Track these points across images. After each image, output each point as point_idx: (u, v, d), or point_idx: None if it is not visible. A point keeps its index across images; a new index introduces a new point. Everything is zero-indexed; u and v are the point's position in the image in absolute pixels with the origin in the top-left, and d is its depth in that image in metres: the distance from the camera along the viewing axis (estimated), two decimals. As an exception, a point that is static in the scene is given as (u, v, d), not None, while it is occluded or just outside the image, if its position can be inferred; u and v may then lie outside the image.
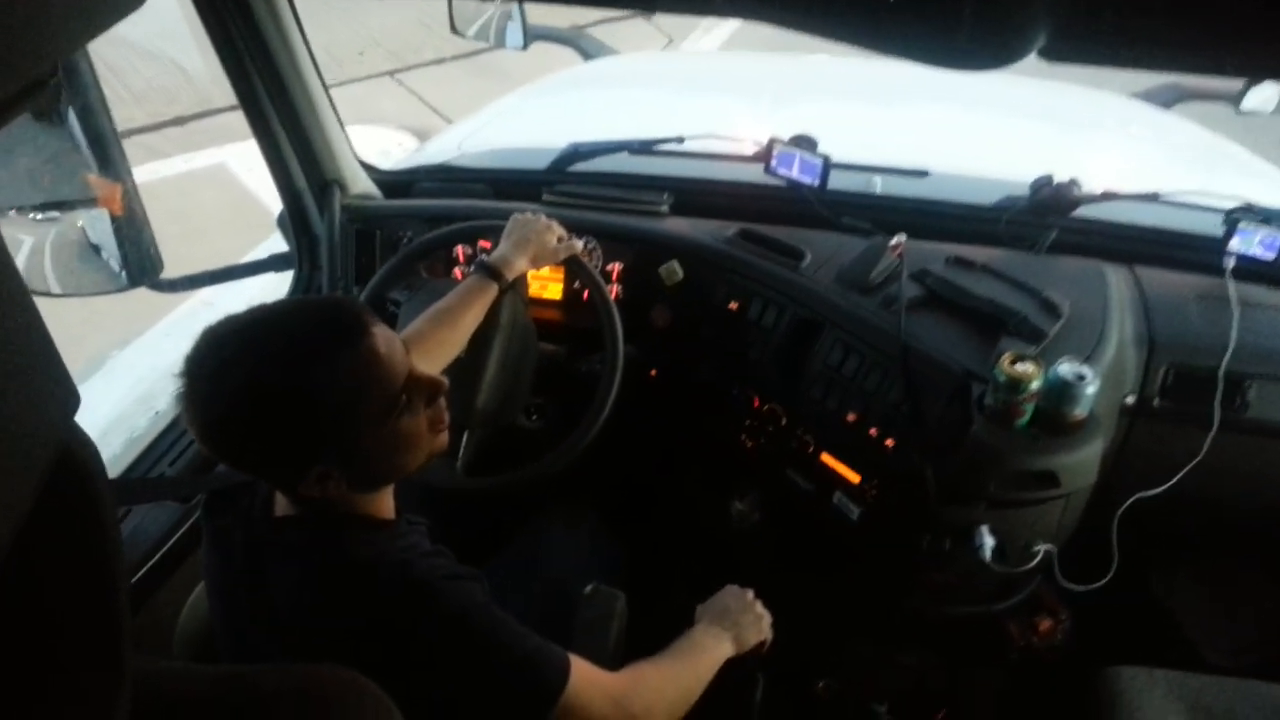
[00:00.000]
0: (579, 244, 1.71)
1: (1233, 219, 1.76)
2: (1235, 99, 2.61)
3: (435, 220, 1.83)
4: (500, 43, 2.84)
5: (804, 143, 1.85)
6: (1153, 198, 1.89)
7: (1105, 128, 2.67)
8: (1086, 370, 1.49)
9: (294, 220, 1.99)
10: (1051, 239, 1.85)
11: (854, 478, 1.74)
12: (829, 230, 1.90)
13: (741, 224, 1.90)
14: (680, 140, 2.03)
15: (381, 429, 1.07)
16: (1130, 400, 1.69)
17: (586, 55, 3.13)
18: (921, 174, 1.96)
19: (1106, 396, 1.59)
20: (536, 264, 1.68)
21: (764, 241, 1.85)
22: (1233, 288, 1.77)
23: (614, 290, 1.95)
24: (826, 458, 1.77)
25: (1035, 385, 1.47)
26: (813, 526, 1.87)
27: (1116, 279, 1.78)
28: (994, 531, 1.60)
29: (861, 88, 2.78)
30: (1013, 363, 1.49)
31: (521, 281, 1.75)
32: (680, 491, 2.15)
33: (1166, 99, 2.88)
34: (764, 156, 1.91)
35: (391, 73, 6.58)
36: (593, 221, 1.92)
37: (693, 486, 2.14)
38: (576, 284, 1.97)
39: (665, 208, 1.96)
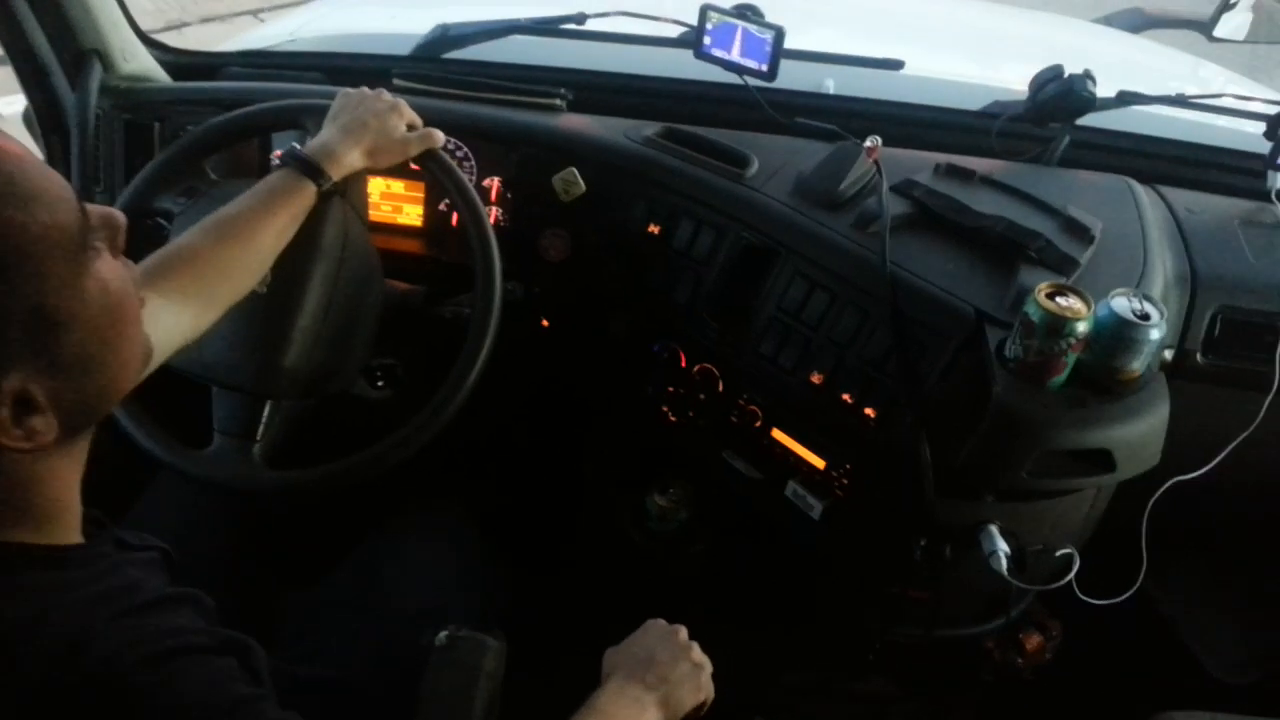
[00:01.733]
0: (439, 135, 1.20)
1: (1286, 125, 1.37)
2: (1206, 25, 2.29)
3: (240, 105, 1.29)
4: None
5: (748, 12, 1.38)
6: (1179, 101, 1.50)
7: (1085, 47, 2.28)
8: (1151, 308, 1.07)
9: (40, 111, 1.42)
10: (1063, 147, 1.43)
11: (817, 462, 1.28)
12: (780, 134, 1.44)
13: (665, 124, 1.42)
14: (582, 19, 1.53)
15: (79, 284, 0.62)
16: (1167, 355, 1.29)
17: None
18: (895, 65, 1.51)
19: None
20: (376, 160, 1.16)
21: (696, 143, 1.37)
22: (1285, 212, 1.39)
23: (492, 214, 1.45)
24: (779, 435, 1.31)
25: (1083, 328, 1.04)
26: (759, 528, 1.41)
27: (1148, 198, 1.38)
28: (1006, 533, 1.18)
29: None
30: (1051, 295, 1.06)
31: (358, 188, 1.24)
32: (581, 484, 1.66)
33: (1133, 24, 2.53)
34: (695, 37, 1.43)
35: (255, 12, 5.84)
36: (462, 117, 1.41)
37: (598, 476, 1.65)
38: (444, 204, 1.46)
39: (561, 102, 1.46)
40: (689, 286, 1.35)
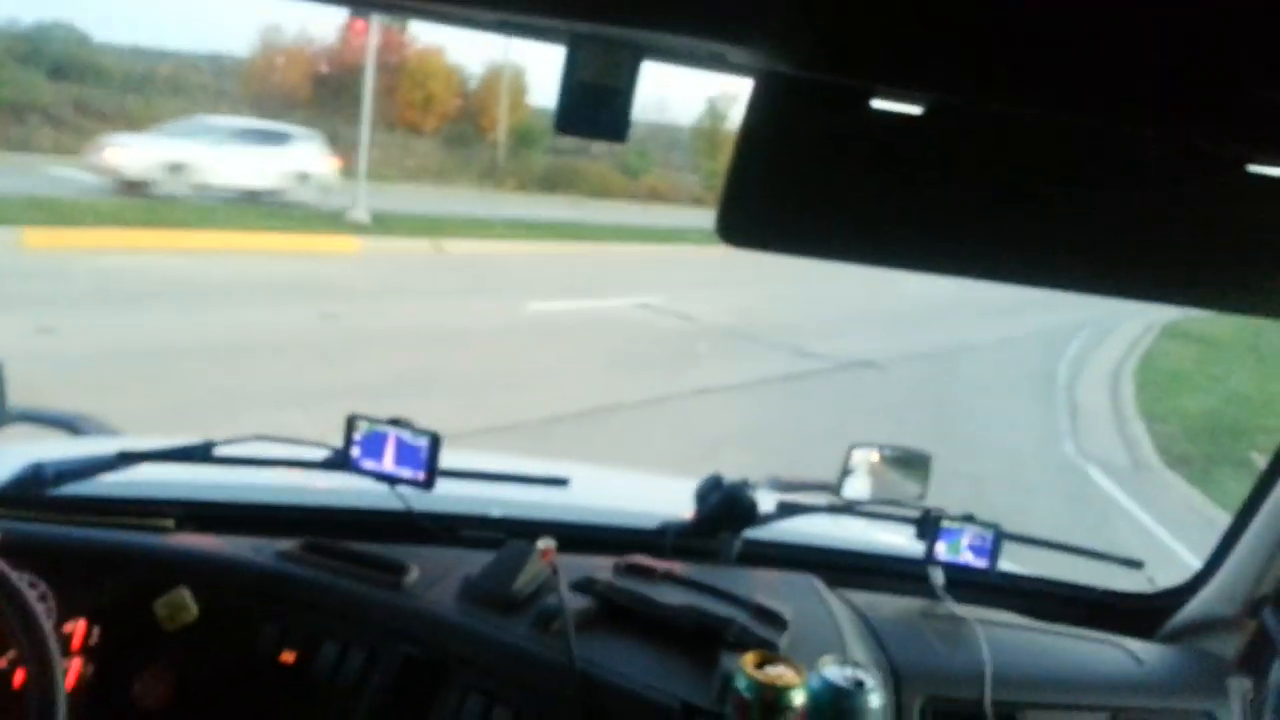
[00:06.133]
0: None
1: (933, 520, 1.45)
2: (835, 488, 2.55)
3: None
4: (-39, 424, 2.10)
5: (399, 423, 1.29)
6: (836, 510, 1.55)
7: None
8: (864, 674, 0.96)
9: None
10: (739, 548, 1.39)
11: None
12: (441, 546, 1.29)
13: (306, 537, 1.22)
14: (209, 448, 1.35)
15: None
16: None
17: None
18: (559, 482, 1.45)
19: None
20: None
21: (342, 555, 1.18)
22: (955, 605, 1.41)
23: (73, 667, 1.11)
24: None
25: (799, 698, 0.91)
26: None
27: (830, 596, 1.35)
28: None
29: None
30: (759, 665, 0.92)
31: None
32: None
33: (775, 488, 2.76)
34: (342, 452, 1.30)
35: None
36: (44, 539, 1.13)
37: None
38: (10, 655, 1.10)
39: (170, 521, 1.22)
40: (337, 722, 1.06)
